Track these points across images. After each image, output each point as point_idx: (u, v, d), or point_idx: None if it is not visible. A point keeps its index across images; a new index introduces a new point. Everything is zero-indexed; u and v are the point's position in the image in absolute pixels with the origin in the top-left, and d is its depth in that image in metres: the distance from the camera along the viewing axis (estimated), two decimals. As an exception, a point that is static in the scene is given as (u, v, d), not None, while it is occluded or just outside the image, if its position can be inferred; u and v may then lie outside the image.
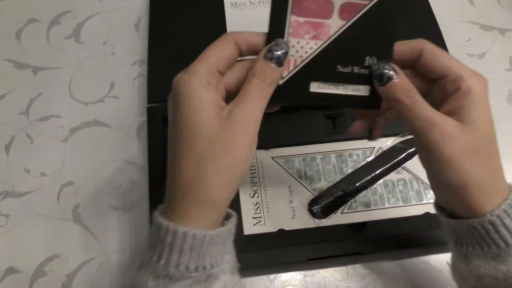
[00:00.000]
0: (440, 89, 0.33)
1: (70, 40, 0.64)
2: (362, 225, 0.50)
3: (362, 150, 0.54)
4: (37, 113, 0.59)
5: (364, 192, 0.52)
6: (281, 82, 0.33)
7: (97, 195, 0.53)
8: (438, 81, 0.33)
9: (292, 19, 0.32)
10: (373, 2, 0.32)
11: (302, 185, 0.52)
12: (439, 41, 0.60)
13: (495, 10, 0.67)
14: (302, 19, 0.32)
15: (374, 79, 0.33)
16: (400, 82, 0.32)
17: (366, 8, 0.32)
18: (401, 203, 0.51)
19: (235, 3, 0.63)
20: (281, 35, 0.32)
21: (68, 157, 0.56)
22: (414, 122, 0.32)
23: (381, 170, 0.53)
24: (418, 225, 0.49)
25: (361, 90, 0.34)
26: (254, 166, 0.53)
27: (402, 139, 0.54)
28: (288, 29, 0.32)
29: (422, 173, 0.51)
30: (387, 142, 0.54)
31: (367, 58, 0.33)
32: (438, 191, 0.35)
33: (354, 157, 0.54)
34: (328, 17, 0.32)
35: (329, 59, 0.33)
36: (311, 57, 0.33)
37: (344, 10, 0.32)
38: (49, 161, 0.56)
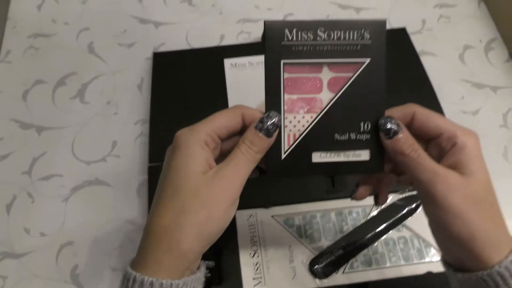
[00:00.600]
0: (436, 147, 0.35)
1: (75, 101, 0.66)
2: (364, 285, 0.49)
3: (361, 208, 0.54)
4: (39, 172, 0.59)
5: (365, 251, 0.52)
6: (283, 157, 0.35)
7: (96, 256, 0.53)
8: (433, 140, 0.35)
9: (286, 98, 0.34)
10: (357, 73, 0.34)
11: (303, 244, 0.52)
12: (433, 100, 0.62)
13: (485, 69, 0.69)
14: (295, 96, 0.35)
15: (381, 132, 0.35)
16: (405, 136, 0.34)
17: (352, 79, 0.35)
18: (402, 262, 0.51)
19: (235, 64, 0.66)
20: (278, 113, 0.35)
21: (68, 217, 0.56)
22: (420, 174, 0.33)
23: (382, 228, 0.53)
24: (420, 285, 0.48)
25: (362, 155, 0.35)
26: (254, 225, 0.53)
27: (401, 196, 0.55)
28: (283, 107, 0.34)
29: (422, 231, 0.51)
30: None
31: (362, 123, 0.35)
32: (446, 245, 0.35)
33: (354, 214, 0.54)
34: (319, 91, 0.35)
35: (326, 129, 0.35)
36: (309, 129, 0.35)
37: (332, 84, 0.35)
38: (49, 221, 0.56)
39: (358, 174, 0.38)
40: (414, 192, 0.53)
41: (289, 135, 0.35)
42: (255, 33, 0.73)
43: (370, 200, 0.53)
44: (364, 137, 0.35)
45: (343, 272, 0.50)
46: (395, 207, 0.54)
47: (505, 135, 0.63)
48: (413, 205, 0.53)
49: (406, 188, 0.54)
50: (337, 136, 0.35)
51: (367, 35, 0.34)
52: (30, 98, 0.67)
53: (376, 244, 0.52)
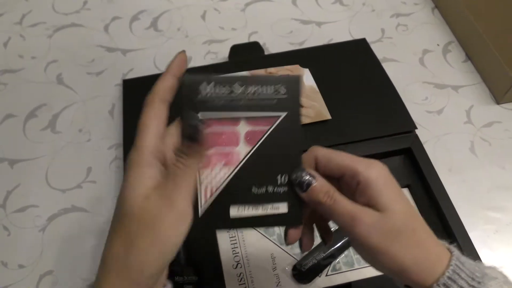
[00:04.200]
0: (346, 185, 0.35)
1: (46, 131, 0.66)
2: (348, 286, 0.50)
3: None
4: (14, 205, 0.59)
5: (346, 252, 0.52)
6: (200, 212, 0.34)
7: (76, 283, 0.52)
8: (341, 179, 0.35)
9: None
10: (273, 127, 0.35)
11: (284, 250, 0.52)
12: (399, 103, 0.64)
13: (445, 70, 0.72)
14: (212, 150, 0.34)
15: (295, 187, 0.34)
16: (318, 185, 0.34)
17: (268, 133, 0.35)
18: (383, 260, 0.51)
19: None
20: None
21: (46, 246, 0.55)
22: (338, 220, 0.33)
23: None
24: (402, 280, 0.49)
25: (280, 208, 0.35)
26: (235, 236, 0.53)
27: None
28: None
29: None
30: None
31: (279, 176, 0.35)
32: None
33: None
34: (236, 145, 0.35)
35: (243, 183, 0.34)
36: (226, 183, 0.34)
37: (249, 137, 0.35)
38: (27, 252, 0.55)
39: (277, 226, 0.37)
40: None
41: (205, 190, 0.34)
42: (222, 53, 0.75)
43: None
44: (282, 189, 0.35)
45: (326, 275, 0.51)
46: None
47: (470, 131, 0.65)
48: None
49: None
50: (254, 189, 0.35)
51: (282, 90, 0.35)
52: (0, 133, 0.66)
53: None
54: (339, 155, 0.35)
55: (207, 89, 0.33)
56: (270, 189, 0.35)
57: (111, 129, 0.66)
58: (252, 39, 0.77)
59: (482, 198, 0.58)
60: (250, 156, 0.35)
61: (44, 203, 0.59)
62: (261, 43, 0.74)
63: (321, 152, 0.35)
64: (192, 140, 0.31)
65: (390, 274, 0.34)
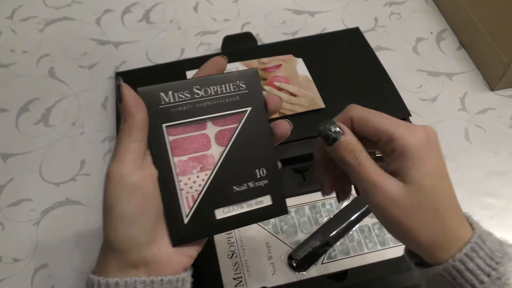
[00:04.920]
0: (381, 150, 0.33)
1: (39, 125, 0.66)
2: (343, 274, 0.50)
3: (334, 199, 0.54)
4: (8, 199, 0.58)
5: (341, 240, 0.52)
6: (186, 221, 0.34)
7: (72, 276, 0.52)
8: (377, 142, 0.33)
9: (176, 160, 0.34)
10: (241, 123, 0.35)
11: (279, 239, 0.52)
12: (393, 91, 0.64)
13: (439, 58, 0.72)
14: (185, 157, 0.34)
15: (321, 138, 0.33)
16: (345, 141, 0.32)
17: (238, 130, 0.35)
18: (379, 247, 0.51)
19: None
20: (170, 177, 0.33)
21: (41, 240, 0.55)
22: (359, 184, 0.32)
23: (356, 216, 0.53)
24: (399, 267, 0.49)
25: (264, 201, 0.36)
26: (230, 226, 0.53)
27: None
28: (175, 171, 0.33)
29: None
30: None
31: (257, 170, 0.35)
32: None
33: (328, 206, 0.55)
34: (208, 148, 0.34)
35: (223, 183, 0.35)
36: (206, 187, 0.34)
37: (220, 138, 0.35)
38: (22, 246, 0.55)
39: (265, 220, 0.37)
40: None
41: (187, 198, 0.34)
42: (215, 44, 0.74)
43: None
44: (263, 183, 0.35)
45: (322, 263, 0.51)
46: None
47: (464, 118, 0.65)
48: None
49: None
50: (235, 188, 0.35)
51: (242, 85, 0.35)
52: (-7, 128, 0.66)
53: (351, 232, 0.53)
54: (377, 116, 0.32)
55: (167, 98, 0.33)
56: (251, 184, 0.35)
57: (104, 122, 0.66)
58: (245, 30, 0.76)
59: (477, 185, 0.58)
60: (224, 156, 0.35)
61: (38, 197, 0.58)
62: (254, 33, 0.73)
63: (357, 112, 0.33)
64: (119, 100, 0.31)
65: (404, 243, 0.33)
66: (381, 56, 0.69)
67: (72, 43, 0.76)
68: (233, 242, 0.52)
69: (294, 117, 0.60)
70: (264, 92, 0.37)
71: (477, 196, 0.57)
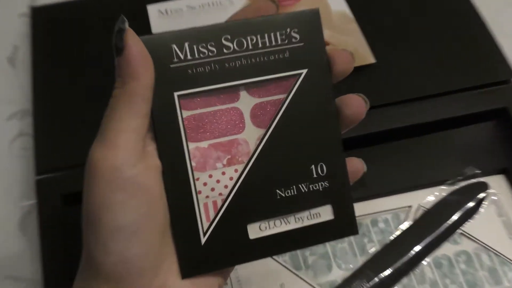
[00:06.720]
0: None
1: None
2: None
3: (392, 213, 0.41)
4: None
5: (404, 281, 0.39)
6: (203, 240, 0.27)
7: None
8: None
9: (192, 148, 0.27)
10: (292, 93, 0.28)
11: (302, 279, 0.39)
12: (485, 37, 0.50)
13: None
14: (205, 144, 0.27)
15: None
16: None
17: (286, 103, 0.28)
18: (468, 293, 0.38)
19: (166, 10, 0.51)
20: (182, 174, 0.27)
21: None
22: None
23: (428, 242, 0.40)
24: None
25: (322, 214, 0.28)
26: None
27: (452, 188, 0.42)
28: (189, 163, 0.27)
29: (494, 239, 0.40)
30: (429, 197, 0.41)
31: (313, 167, 0.28)
32: None
33: (381, 225, 0.41)
34: (240, 130, 0.28)
35: (261, 185, 0.28)
36: (235, 190, 0.27)
37: (258, 115, 0.28)
38: None
39: (322, 242, 0.31)
40: (473, 181, 0.42)
41: (206, 205, 0.27)
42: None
43: (405, 201, 0.40)
44: (321, 185, 0.28)
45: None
46: (445, 207, 0.41)
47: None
48: (473, 201, 0.40)
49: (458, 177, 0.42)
50: (280, 192, 0.28)
51: (295, 35, 0.28)
52: None
53: (421, 268, 0.39)
54: None
55: (182, 53, 0.27)
56: (304, 187, 0.28)
57: (11, 87, 0.49)
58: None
59: None
60: (264, 143, 0.28)
61: None
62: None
63: None
64: (118, 52, 0.25)
65: None
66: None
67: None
68: (227, 284, 0.38)
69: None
70: (327, 47, 0.29)
71: None
